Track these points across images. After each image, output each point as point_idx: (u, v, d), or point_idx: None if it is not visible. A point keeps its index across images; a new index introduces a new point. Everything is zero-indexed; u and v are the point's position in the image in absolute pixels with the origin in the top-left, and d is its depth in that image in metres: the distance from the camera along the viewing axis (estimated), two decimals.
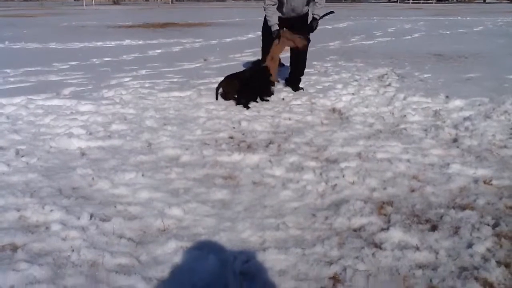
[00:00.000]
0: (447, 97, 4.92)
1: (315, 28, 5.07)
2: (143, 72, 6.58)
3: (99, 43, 10.41)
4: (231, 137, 3.63)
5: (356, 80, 5.90)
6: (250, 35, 12.53)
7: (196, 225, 2.21)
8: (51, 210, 2.30)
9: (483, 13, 24.09)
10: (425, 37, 11.42)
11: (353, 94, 5.13)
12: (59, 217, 2.26)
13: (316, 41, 5.20)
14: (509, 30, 13.19)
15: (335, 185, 2.69)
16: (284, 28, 4.93)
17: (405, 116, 4.27)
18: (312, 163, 3.07)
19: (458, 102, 4.70)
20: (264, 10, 4.89)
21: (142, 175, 2.78)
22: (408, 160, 3.12)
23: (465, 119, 4.16)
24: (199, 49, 9.52)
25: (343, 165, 3.01)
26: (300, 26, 5.01)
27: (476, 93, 5.02)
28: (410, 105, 4.63)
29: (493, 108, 4.44)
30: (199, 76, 6.18)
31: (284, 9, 4.90)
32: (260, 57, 5.47)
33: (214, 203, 2.45)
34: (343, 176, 2.80)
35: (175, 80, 5.94)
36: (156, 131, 3.71)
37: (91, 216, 2.24)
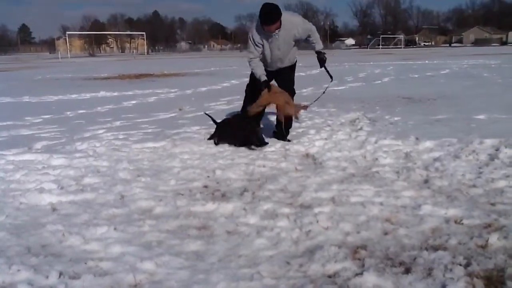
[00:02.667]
0: (417, 139, 5.05)
1: (325, 59, 5.07)
2: (118, 123, 6.58)
3: (73, 96, 10.44)
4: (206, 186, 3.62)
5: (329, 125, 6.02)
6: (225, 84, 12.77)
7: (169, 279, 2.16)
8: (18, 270, 2.22)
9: (449, 56, 25.19)
10: (395, 81, 11.82)
11: (326, 139, 5.21)
12: (27, 277, 2.18)
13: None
14: (473, 72, 13.78)
15: (309, 231, 2.69)
16: (275, 84, 4.96)
17: (377, 159, 4.35)
18: (286, 210, 3.07)
19: (428, 144, 4.82)
20: (249, 64, 4.89)
21: (114, 228, 2.73)
22: (381, 203, 3.15)
23: (435, 160, 4.26)
24: (174, 99, 9.62)
25: (317, 210, 3.02)
26: (288, 74, 5.09)
27: (445, 134, 5.17)
28: (382, 148, 4.72)
29: (461, 148, 4.57)
30: (174, 126, 6.21)
31: (269, 61, 4.91)
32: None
33: (187, 255, 2.41)
34: (317, 222, 2.81)
35: (150, 130, 5.96)
36: (129, 183, 3.68)
37: (60, 274, 2.17)
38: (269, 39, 4.70)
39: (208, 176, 3.90)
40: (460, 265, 2.23)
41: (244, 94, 5.45)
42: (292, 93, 5.15)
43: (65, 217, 2.98)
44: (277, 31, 4.64)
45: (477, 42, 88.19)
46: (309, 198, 3.29)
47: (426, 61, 21.39)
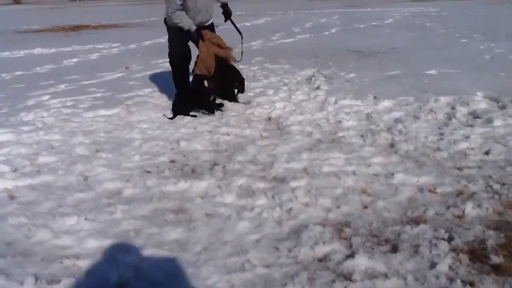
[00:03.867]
0: (375, 97, 5.09)
1: (231, 13, 4.94)
2: (62, 87, 6.14)
3: (5, 54, 9.61)
4: (173, 161, 3.47)
5: (286, 84, 5.93)
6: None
7: (156, 275, 2.06)
8: None
9: (390, 3, 25.40)
10: (342, 32, 11.80)
11: (285, 100, 5.13)
12: None
13: (238, 41, 5.08)
14: (415, 21, 14.00)
15: (290, 209, 2.65)
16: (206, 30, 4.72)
17: (340, 122, 4.35)
18: (261, 185, 3.01)
19: (386, 103, 4.87)
20: (171, 19, 4.57)
21: (85, 218, 2.55)
22: (354, 172, 3.16)
23: (396, 121, 4.32)
24: (118, 56, 9.10)
25: (293, 184, 2.98)
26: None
27: (401, 92, 5.24)
28: (343, 109, 4.72)
29: (419, 107, 4.66)
30: (124, 89, 5.88)
31: (191, 14, 4.64)
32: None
33: (170, 245, 2.31)
34: (296, 198, 2.77)
35: (99, 95, 5.61)
36: (90, 161, 3.45)
37: (36, 278, 2.00)
38: None
39: (173, 149, 3.74)
40: (444, 239, 2.29)
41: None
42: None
43: (26, 206, 2.75)
44: None
45: None
46: (281, 170, 3.24)
47: (369, 9, 21.44)
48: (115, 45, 10.61)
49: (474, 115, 4.38)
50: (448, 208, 2.63)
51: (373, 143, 3.77)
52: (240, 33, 5.07)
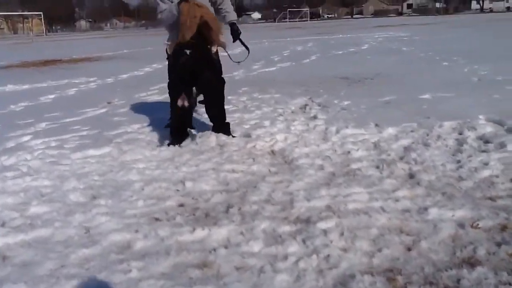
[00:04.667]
0: (376, 125, 4.92)
1: (240, 32, 4.52)
2: (43, 125, 5.75)
3: None
4: (181, 205, 3.15)
5: (281, 115, 5.72)
6: (146, 69, 11.99)
7: None
8: None
9: (358, 29, 26.03)
10: (323, 60, 11.80)
11: (285, 131, 4.89)
12: None
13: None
14: (391, 46, 14.20)
15: (328, 256, 2.37)
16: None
17: (349, 152, 4.13)
18: (287, 228, 2.73)
19: (390, 130, 4.70)
20: (161, 21, 4.32)
21: (96, 280, 2.20)
22: (383, 209, 2.91)
23: (407, 149, 4.13)
24: (97, 90, 8.76)
25: (321, 226, 2.71)
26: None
27: (402, 118, 5.10)
28: (347, 139, 4.52)
29: (426, 134, 4.50)
30: (111, 126, 5.54)
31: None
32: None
33: None
34: (331, 242, 2.50)
35: (85, 133, 5.25)
36: (88, 209, 3.09)
37: None
38: None
39: (178, 190, 3.42)
40: (510, 284, 2.04)
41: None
42: (221, 82, 4.68)
43: (23, 269, 2.37)
44: None
45: (377, 13, 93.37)
46: (304, 210, 2.97)
47: (340, 35, 21.83)
48: (91, 79, 10.25)
49: (484, 139, 4.25)
50: (499, 245, 2.40)
51: (391, 175, 3.55)
52: (247, 48, 4.67)
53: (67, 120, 6.06)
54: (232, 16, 4.51)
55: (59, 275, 2.29)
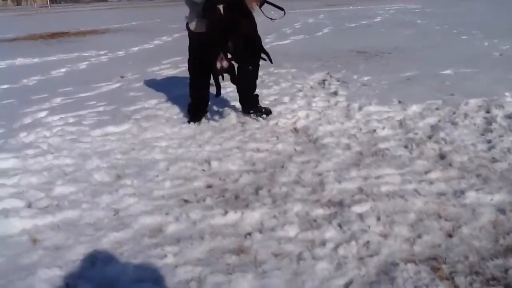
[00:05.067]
0: (400, 102, 4.81)
1: None
2: (58, 100, 5.66)
3: None
4: (210, 186, 3.08)
5: (300, 90, 5.60)
6: (156, 41, 11.81)
7: None
8: None
9: (368, 1, 25.38)
10: (337, 32, 11.54)
11: (306, 108, 4.78)
12: None
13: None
14: (405, 19, 13.87)
15: (368, 242, 2.30)
16: None
17: (374, 131, 4.03)
18: (320, 211, 2.66)
19: (415, 108, 4.58)
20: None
21: (133, 265, 2.15)
22: (417, 192, 2.84)
23: (434, 128, 4.03)
24: (109, 64, 8.63)
25: (356, 209, 2.64)
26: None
27: (426, 95, 4.97)
28: (372, 116, 4.41)
29: (452, 112, 4.38)
30: (127, 101, 5.44)
31: None
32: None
33: None
34: (369, 228, 2.43)
35: (102, 109, 5.16)
36: (115, 189, 3.03)
37: None
38: None
39: (204, 170, 3.35)
40: None
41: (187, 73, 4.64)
42: (258, 37, 4.35)
43: (55, 253, 2.32)
44: None
45: None
46: (335, 192, 2.89)
47: (351, 7, 21.36)
48: (102, 52, 10.09)
49: None
50: None
51: (421, 155, 3.46)
52: (281, 8, 4.16)
53: (82, 95, 5.96)
54: None
55: (94, 260, 2.24)
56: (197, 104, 4.54)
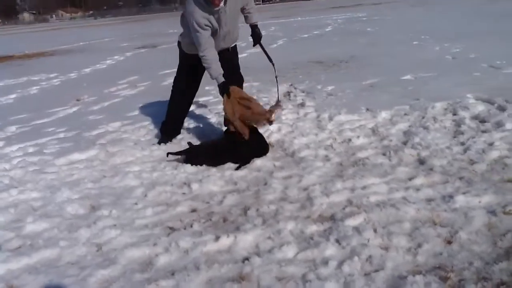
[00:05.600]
0: (368, 109, 4.85)
1: (261, 35, 4.13)
2: (13, 129, 5.34)
3: None
4: (194, 210, 2.94)
5: (268, 104, 5.53)
6: (108, 61, 11.49)
7: None
8: None
9: (314, 11, 25.98)
10: (291, 44, 11.64)
11: (276, 121, 4.72)
12: None
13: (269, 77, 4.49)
14: (355, 27, 14.20)
15: (370, 257, 2.24)
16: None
17: (350, 140, 4.03)
18: (314, 228, 2.59)
19: (384, 114, 4.63)
20: (203, 61, 3.75)
21: None
22: (406, 199, 2.82)
23: (406, 133, 4.08)
24: (62, 87, 8.29)
25: (350, 223, 2.58)
26: (232, 57, 4.17)
27: (392, 101, 5.05)
28: (344, 126, 4.42)
29: (421, 116, 4.46)
30: (89, 125, 5.20)
31: (217, 41, 3.85)
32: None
33: None
34: (368, 241, 2.37)
35: (62, 135, 4.90)
36: (93, 222, 2.83)
37: None
38: (215, 15, 3.72)
39: (184, 193, 3.21)
40: None
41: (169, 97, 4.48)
42: (240, 79, 4.42)
43: None
44: (222, 3, 3.66)
45: None
46: (325, 206, 2.83)
47: (299, 18, 21.72)
48: (52, 75, 9.69)
49: (479, 119, 4.24)
50: None
51: (401, 162, 3.47)
52: (271, 61, 4.21)
53: (38, 122, 5.66)
54: (255, 17, 4.10)
55: None
56: (172, 124, 4.40)
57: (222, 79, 3.77)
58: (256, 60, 9.36)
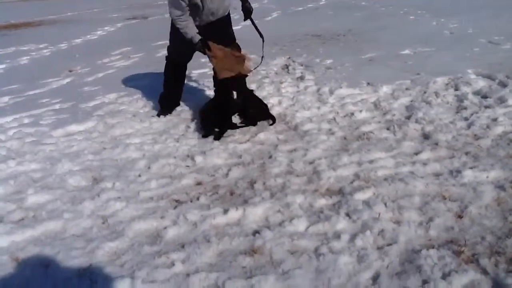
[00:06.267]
0: (368, 84, 4.80)
1: (252, 10, 4.02)
2: (6, 99, 5.21)
3: None
4: (199, 183, 2.90)
5: (267, 76, 5.47)
6: (99, 32, 11.22)
7: None
8: None
9: None
10: (286, 17, 11.46)
11: (277, 94, 4.66)
12: None
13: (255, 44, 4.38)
14: (349, 1, 14.00)
15: (382, 230, 2.23)
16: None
17: (352, 114, 3.99)
18: (323, 201, 2.56)
19: (385, 89, 4.59)
20: (176, 24, 3.76)
21: (141, 280, 1.94)
22: (414, 174, 2.80)
23: (409, 108, 4.05)
24: (53, 58, 8.07)
25: (359, 196, 2.57)
26: (223, 27, 4.09)
27: (392, 75, 5.00)
28: (345, 99, 4.38)
29: (423, 91, 4.43)
30: (84, 97, 5.08)
31: (202, 15, 3.85)
32: None
33: None
34: (379, 216, 2.35)
35: (57, 107, 4.78)
36: (96, 194, 2.78)
37: None
38: None
39: (188, 166, 3.15)
40: None
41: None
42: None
43: (44, 272, 2.07)
44: None
45: None
46: (333, 180, 2.81)
47: None
48: (42, 45, 9.43)
49: (481, 94, 4.22)
50: None
51: (406, 136, 3.44)
52: (261, 36, 4.14)
53: (31, 92, 5.52)
54: None
55: (92, 276, 2.01)
56: (171, 95, 4.32)
57: (199, 37, 3.76)
58: (248, 33, 9.23)
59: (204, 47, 3.77)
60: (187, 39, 3.79)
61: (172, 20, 3.87)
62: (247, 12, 3.98)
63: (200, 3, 3.74)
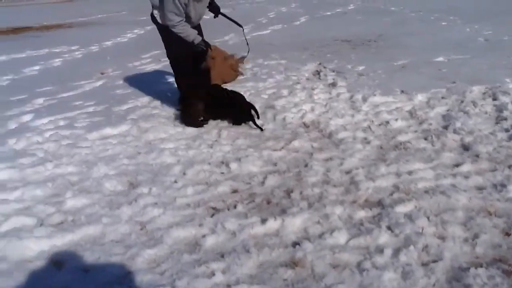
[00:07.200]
0: (402, 91, 4.72)
1: (218, 7, 4.47)
2: (41, 101, 5.29)
3: None
4: (235, 190, 2.88)
5: (298, 82, 5.43)
6: (129, 35, 11.35)
7: None
8: None
9: None
10: (314, 21, 11.40)
11: (309, 101, 4.62)
12: None
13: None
14: (378, 6, 13.86)
15: (426, 246, 2.17)
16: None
17: (388, 123, 3.92)
18: (362, 213, 2.52)
19: (420, 97, 4.50)
20: (174, 28, 4.04)
21: None
22: (455, 187, 2.73)
23: (446, 117, 3.96)
24: (85, 60, 8.19)
25: (400, 209, 2.51)
26: (201, 34, 4.36)
27: (426, 83, 4.91)
28: (379, 107, 4.31)
29: (460, 100, 4.32)
30: (117, 100, 5.13)
31: (192, 19, 4.17)
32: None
33: None
34: (422, 230, 2.29)
35: (91, 109, 4.83)
36: (133, 199, 2.78)
37: None
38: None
39: (223, 173, 3.14)
40: None
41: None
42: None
43: (85, 277, 2.08)
44: None
45: None
46: (371, 191, 2.75)
47: None
48: (74, 47, 9.57)
49: None
50: None
51: (444, 147, 3.36)
52: (239, 24, 4.67)
53: (64, 94, 5.60)
54: None
55: (131, 283, 2.01)
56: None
57: (201, 37, 4.21)
58: (277, 37, 9.20)
59: (207, 46, 4.22)
60: (189, 42, 4.12)
61: (169, 28, 4.07)
62: (216, 10, 4.42)
63: (192, 9, 4.06)
